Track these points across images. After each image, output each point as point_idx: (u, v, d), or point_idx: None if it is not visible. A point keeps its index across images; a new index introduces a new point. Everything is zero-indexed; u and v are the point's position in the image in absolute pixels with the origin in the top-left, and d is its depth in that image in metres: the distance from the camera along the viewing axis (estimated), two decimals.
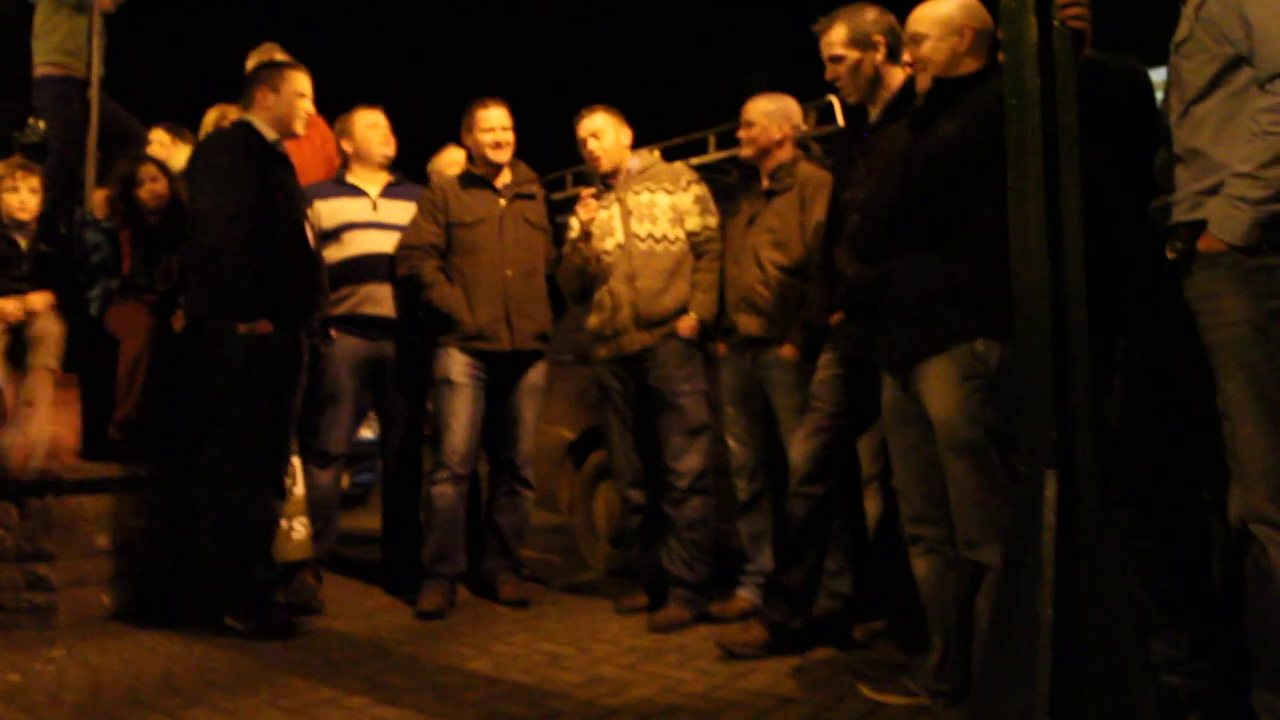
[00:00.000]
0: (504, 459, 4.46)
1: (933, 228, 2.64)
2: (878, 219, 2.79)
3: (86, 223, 4.45)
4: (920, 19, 2.79)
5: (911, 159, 2.67)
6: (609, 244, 4.07)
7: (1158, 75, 2.63)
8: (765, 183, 3.87)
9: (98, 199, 4.70)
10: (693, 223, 4.06)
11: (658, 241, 4.02)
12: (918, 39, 2.78)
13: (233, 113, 4.74)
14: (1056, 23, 2.22)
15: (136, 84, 5.79)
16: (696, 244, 4.06)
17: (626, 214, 4.06)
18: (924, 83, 2.80)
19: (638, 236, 4.03)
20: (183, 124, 5.38)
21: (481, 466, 4.63)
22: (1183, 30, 2.30)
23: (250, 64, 4.96)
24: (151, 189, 4.46)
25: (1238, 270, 2.12)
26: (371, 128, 4.57)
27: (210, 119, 4.93)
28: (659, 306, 3.97)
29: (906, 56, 2.90)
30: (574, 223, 4.18)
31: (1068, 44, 2.22)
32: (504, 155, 4.38)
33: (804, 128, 4.23)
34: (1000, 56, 2.36)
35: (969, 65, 2.69)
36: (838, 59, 3.28)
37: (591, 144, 4.12)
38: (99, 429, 4.17)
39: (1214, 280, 2.16)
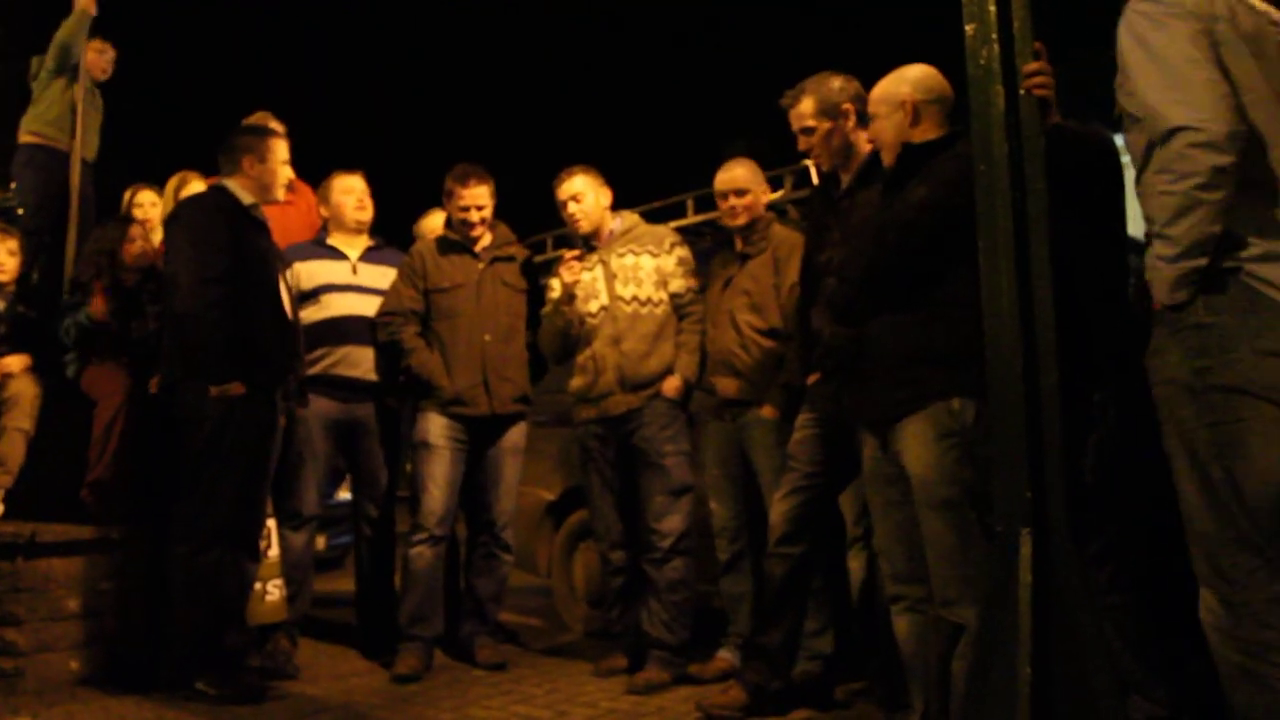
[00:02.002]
0: (484, 521, 4.44)
1: (907, 290, 2.69)
2: (854, 283, 2.84)
3: (69, 306, 4.44)
4: (872, 99, 2.91)
5: (884, 225, 2.73)
6: (593, 306, 4.10)
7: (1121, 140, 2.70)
8: (739, 245, 3.93)
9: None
10: (676, 285, 4.10)
11: (642, 304, 4.05)
12: (873, 118, 2.90)
13: (193, 178, 4.78)
14: (1022, 91, 2.30)
15: (113, 147, 5.83)
16: (680, 306, 4.09)
17: (610, 276, 4.09)
18: (885, 158, 2.89)
19: (622, 299, 4.06)
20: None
21: (460, 529, 4.60)
22: (1118, 106, 2.36)
23: None
24: (143, 247, 4.50)
25: (1173, 328, 2.15)
26: (346, 193, 4.61)
27: (171, 186, 4.96)
28: (644, 369, 3.99)
29: (866, 135, 2.99)
30: (555, 284, 4.21)
31: (1034, 111, 2.30)
32: (476, 233, 4.42)
33: (780, 193, 4.30)
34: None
35: (925, 133, 2.77)
36: (809, 130, 3.36)
37: (572, 207, 4.15)
38: (72, 490, 4.13)
39: (1159, 338, 2.19)
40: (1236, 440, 2.04)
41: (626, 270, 4.08)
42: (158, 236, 4.81)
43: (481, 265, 4.40)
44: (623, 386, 3.99)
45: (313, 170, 4.92)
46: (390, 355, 4.39)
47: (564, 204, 4.18)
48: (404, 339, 4.31)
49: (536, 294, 4.48)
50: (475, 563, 4.45)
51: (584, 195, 4.15)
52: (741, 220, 3.89)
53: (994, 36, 2.30)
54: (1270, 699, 1.99)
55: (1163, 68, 2.13)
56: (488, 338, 4.31)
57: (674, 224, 4.92)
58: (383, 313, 4.41)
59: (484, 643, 4.33)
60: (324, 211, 4.70)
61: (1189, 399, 2.11)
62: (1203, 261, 2.08)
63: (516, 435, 4.44)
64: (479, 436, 4.35)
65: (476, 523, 4.48)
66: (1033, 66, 2.29)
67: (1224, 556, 2.06)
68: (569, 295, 4.12)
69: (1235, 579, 2.04)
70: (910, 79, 2.82)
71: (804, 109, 3.36)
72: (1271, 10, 2.20)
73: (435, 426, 4.28)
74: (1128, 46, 2.19)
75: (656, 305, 4.05)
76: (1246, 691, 2.03)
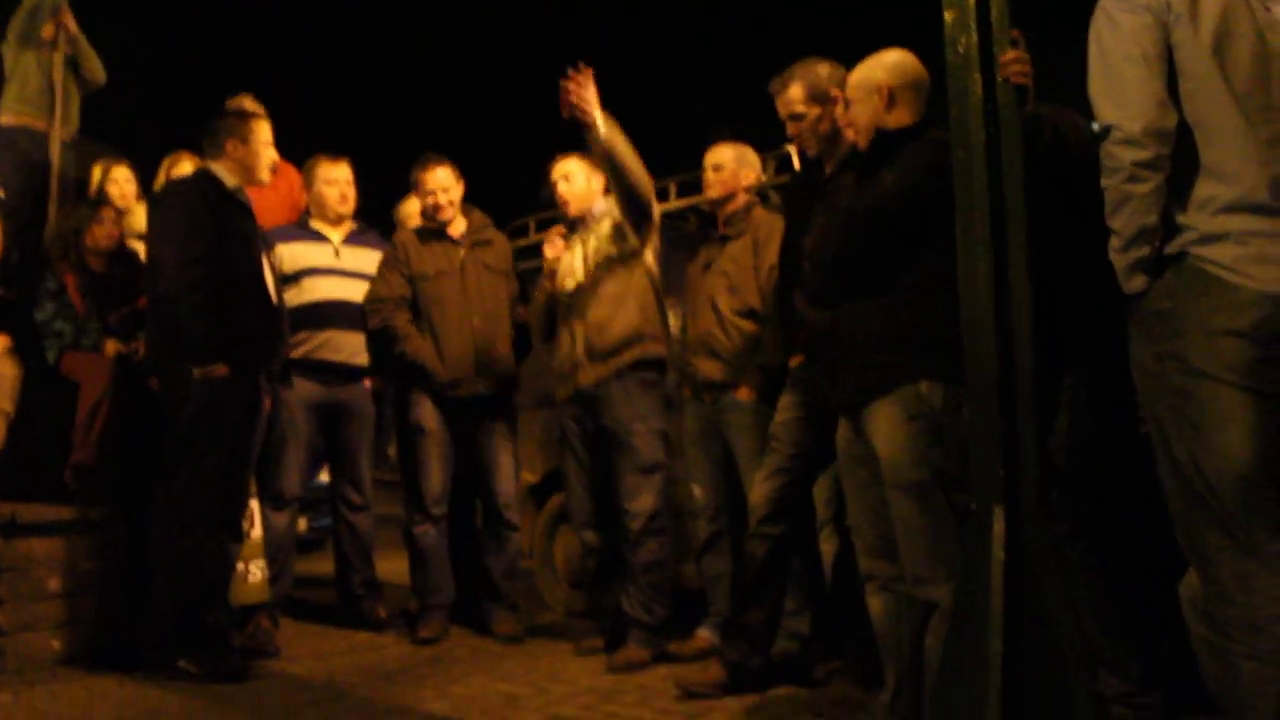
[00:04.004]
0: (488, 504, 4.55)
1: (877, 275, 2.71)
2: (824, 267, 2.87)
3: (49, 292, 4.42)
4: (849, 84, 2.93)
5: (853, 210, 2.76)
6: (570, 284, 4.14)
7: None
8: (719, 228, 3.96)
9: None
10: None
11: (603, 266, 4.04)
12: (848, 103, 2.92)
13: (186, 159, 4.77)
14: (1000, 79, 2.33)
15: (99, 123, 5.80)
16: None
17: (586, 255, 4.12)
18: (860, 142, 2.90)
19: (590, 269, 4.09)
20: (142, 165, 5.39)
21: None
22: None
23: None
24: (111, 230, 4.49)
25: (1138, 317, 2.21)
26: (329, 184, 4.64)
27: (165, 166, 4.95)
28: (609, 335, 3.98)
29: (843, 119, 3.01)
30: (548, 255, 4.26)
31: (1011, 99, 2.33)
32: (446, 214, 4.48)
33: (763, 178, 4.33)
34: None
35: (900, 119, 2.78)
36: (798, 116, 3.36)
37: (561, 186, 4.20)
38: (54, 472, 4.13)
39: (1130, 326, 2.25)
40: (1195, 422, 2.09)
41: (594, 243, 4.11)
42: (138, 214, 4.81)
43: (463, 251, 4.46)
44: (590, 356, 4.00)
45: (295, 152, 4.92)
46: (381, 341, 4.45)
47: (555, 183, 4.22)
48: (397, 325, 4.39)
49: (521, 277, 4.55)
50: (486, 541, 4.57)
51: (574, 176, 4.19)
52: (715, 193, 3.94)
53: (972, 24, 2.33)
54: (1231, 673, 2.05)
55: (1105, 65, 2.21)
56: (476, 321, 4.38)
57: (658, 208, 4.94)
58: (371, 300, 4.47)
59: (502, 617, 4.44)
60: (307, 196, 4.71)
61: (1153, 384, 2.17)
62: (1147, 250, 2.15)
63: (507, 417, 4.53)
64: (472, 418, 4.43)
65: (484, 505, 4.59)
66: (1010, 55, 2.32)
67: (1195, 534, 2.12)
68: (551, 271, 4.16)
69: (1206, 555, 2.09)
70: (886, 64, 2.83)
71: (793, 95, 3.37)
72: None
73: (427, 411, 4.38)
74: (1090, 42, 2.25)
75: (617, 262, 4.03)
76: (1211, 665, 2.09)
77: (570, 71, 3.71)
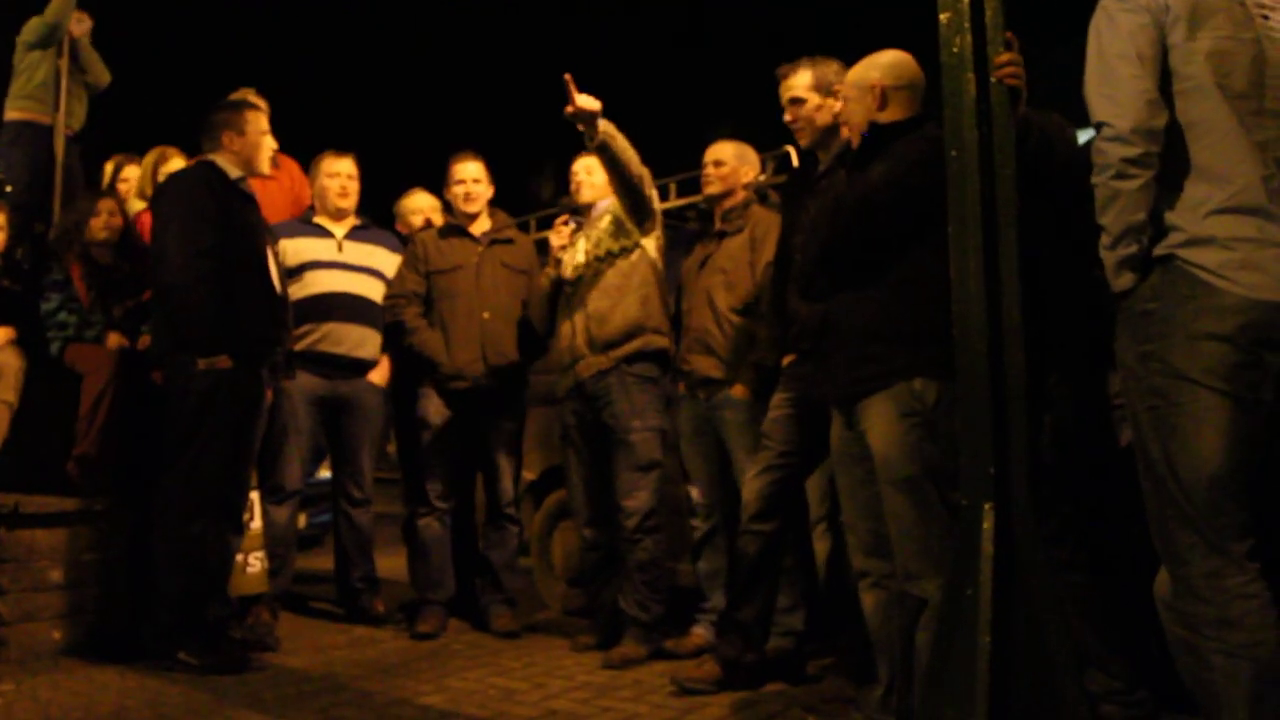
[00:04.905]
0: (490, 500, 4.61)
1: (867, 268, 2.73)
2: (813, 259, 2.89)
3: (54, 284, 4.45)
4: (846, 82, 2.97)
5: (841, 202, 2.77)
6: (572, 273, 4.18)
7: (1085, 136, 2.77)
8: (717, 224, 3.99)
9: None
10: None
11: (602, 260, 4.10)
12: (844, 100, 2.97)
13: (172, 154, 4.80)
14: (994, 80, 2.36)
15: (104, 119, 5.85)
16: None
17: (589, 248, 4.16)
18: (853, 141, 2.94)
19: (590, 262, 4.13)
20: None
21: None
22: None
23: None
24: (110, 221, 4.51)
25: (1125, 316, 2.24)
26: (331, 177, 4.68)
27: (149, 161, 4.96)
28: (610, 326, 4.02)
29: (840, 117, 3.04)
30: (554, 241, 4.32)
31: (1004, 100, 2.36)
32: (474, 206, 4.55)
33: (762, 177, 4.36)
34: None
35: (892, 118, 2.81)
36: (799, 100, 3.42)
37: (581, 175, 4.29)
38: (57, 464, 4.16)
39: (1117, 325, 2.27)
40: (1172, 423, 2.12)
41: (595, 234, 4.15)
42: (133, 209, 4.84)
43: (480, 248, 4.52)
44: (591, 347, 4.04)
45: (299, 147, 4.96)
46: (395, 336, 4.53)
47: (575, 173, 4.31)
48: (406, 319, 4.47)
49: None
50: (488, 534, 4.63)
51: (595, 171, 4.26)
52: (714, 189, 3.98)
53: (967, 26, 2.35)
54: (1204, 671, 2.07)
55: (1101, 63, 2.23)
56: (487, 315, 4.44)
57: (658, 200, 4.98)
58: (388, 296, 4.57)
59: (499, 612, 4.48)
60: (311, 190, 4.76)
61: (1135, 383, 2.19)
62: (1134, 249, 2.17)
63: (513, 413, 4.58)
64: (477, 413, 4.47)
65: (487, 500, 4.64)
66: (1004, 56, 2.34)
67: (1167, 533, 2.14)
68: (556, 260, 4.22)
69: (1178, 554, 2.12)
70: (881, 64, 2.86)
71: (798, 80, 3.43)
72: None
73: (434, 406, 4.44)
74: (1089, 40, 2.27)
75: (618, 255, 4.10)
76: (1185, 660, 2.12)
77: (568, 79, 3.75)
